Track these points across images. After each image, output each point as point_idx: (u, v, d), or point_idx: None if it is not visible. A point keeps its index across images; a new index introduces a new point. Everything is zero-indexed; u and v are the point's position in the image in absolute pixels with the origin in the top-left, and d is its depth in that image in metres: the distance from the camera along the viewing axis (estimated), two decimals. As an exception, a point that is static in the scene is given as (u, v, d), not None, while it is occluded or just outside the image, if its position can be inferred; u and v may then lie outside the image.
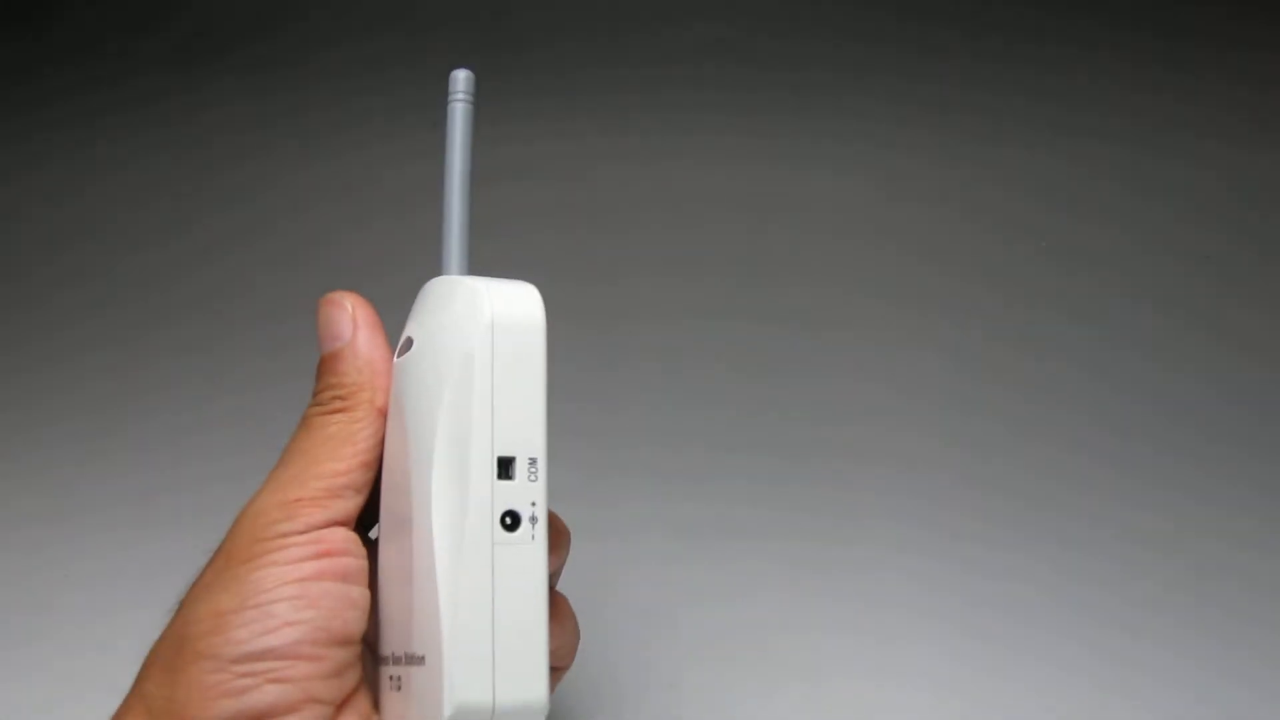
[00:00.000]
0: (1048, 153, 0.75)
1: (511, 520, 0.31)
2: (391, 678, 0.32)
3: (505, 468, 0.31)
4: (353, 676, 0.32)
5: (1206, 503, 0.56)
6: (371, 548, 0.34)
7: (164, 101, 0.83)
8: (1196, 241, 0.71)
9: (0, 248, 0.77)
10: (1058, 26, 0.80)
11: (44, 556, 0.54)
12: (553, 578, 0.37)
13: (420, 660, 0.31)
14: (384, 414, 0.33)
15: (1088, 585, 0.51)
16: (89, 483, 0.58)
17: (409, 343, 0.33)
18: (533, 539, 0.31)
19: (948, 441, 0.59)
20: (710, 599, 0.50)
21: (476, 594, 0.30)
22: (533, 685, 0.31)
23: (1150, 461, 0.58)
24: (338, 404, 0.33)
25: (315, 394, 0.34)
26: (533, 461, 0.32)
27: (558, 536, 0.36)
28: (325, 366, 0.34)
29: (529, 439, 0.32)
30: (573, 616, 0.37)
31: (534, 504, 0.31)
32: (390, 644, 0.33)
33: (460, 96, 0.34)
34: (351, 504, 0.32)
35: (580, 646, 0.37)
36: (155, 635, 0.31)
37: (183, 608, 0.31)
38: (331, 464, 0.32)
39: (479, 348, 0.31)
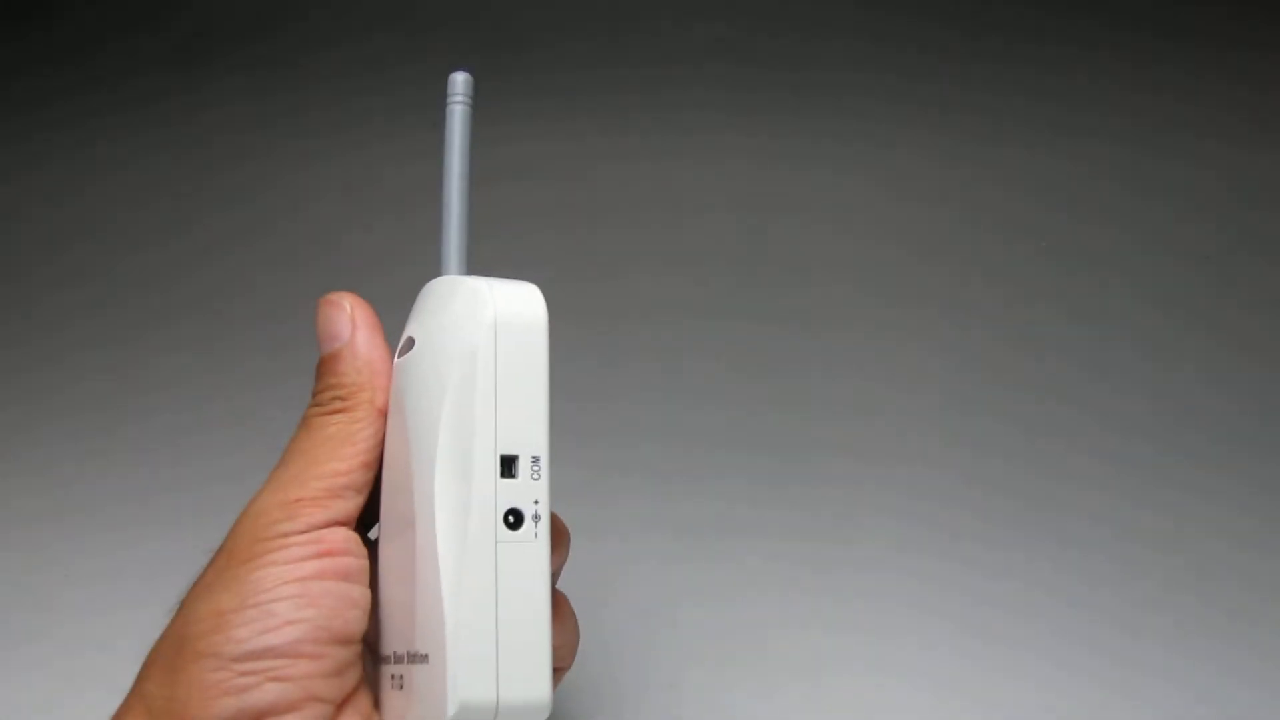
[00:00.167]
0: (1048, 153, 0.75)
1: (515, 519, 0.31)
2: (393, 676, 0.32)
3: (508, 466, 0.31)
4: (353, 675, 0.32)
5: (1207, 502, 0.56)
6: (372, 548, 0.34)
7: (164, 101, 0.83)
8: (1196, 241, 0.71)
9: (0, 248, 0.77)
10: (1058, 26, 0.80)
11: (44, 555, 0.54)
12: (553, 577, 0.37)
13: (424, 659, 0.31)
14: (384, 414, 0.33)
15: (1088, 584, 0.51)
16: (89, 482, 0.58)
17: (410, 343, 0.33)
18: (536, 537, 0.31)
19: (948, 441, 0.59)
20: (710, 598, 0.50)
21: (480, 592, 0.30)
22: (536, 683, 0.31)
23: (1150, 461, 0.58)
24: (337, 404, 0.33)
25: (315, 394, 0.34)
26: (535, 460, 0.32)
27: (558, 536, 0.36)
28: (324, 367, 0.34)
29: (532, 437, 0.32)
30: (573, 616, 0.37)
31: (537, 502, 0.31)
32: (392, 643, 0.33)
33: (459, 99, 0.34)
34: (352, 504, 0.32)
35: (580, 646, 0.37)
36: (155, 634, 0.31)
37: (183, 607, 0.31)
38: (332, 464, 0.32)
39: (482, 347, 0.31)
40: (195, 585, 0.32)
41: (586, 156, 0.77)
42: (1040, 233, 0.71)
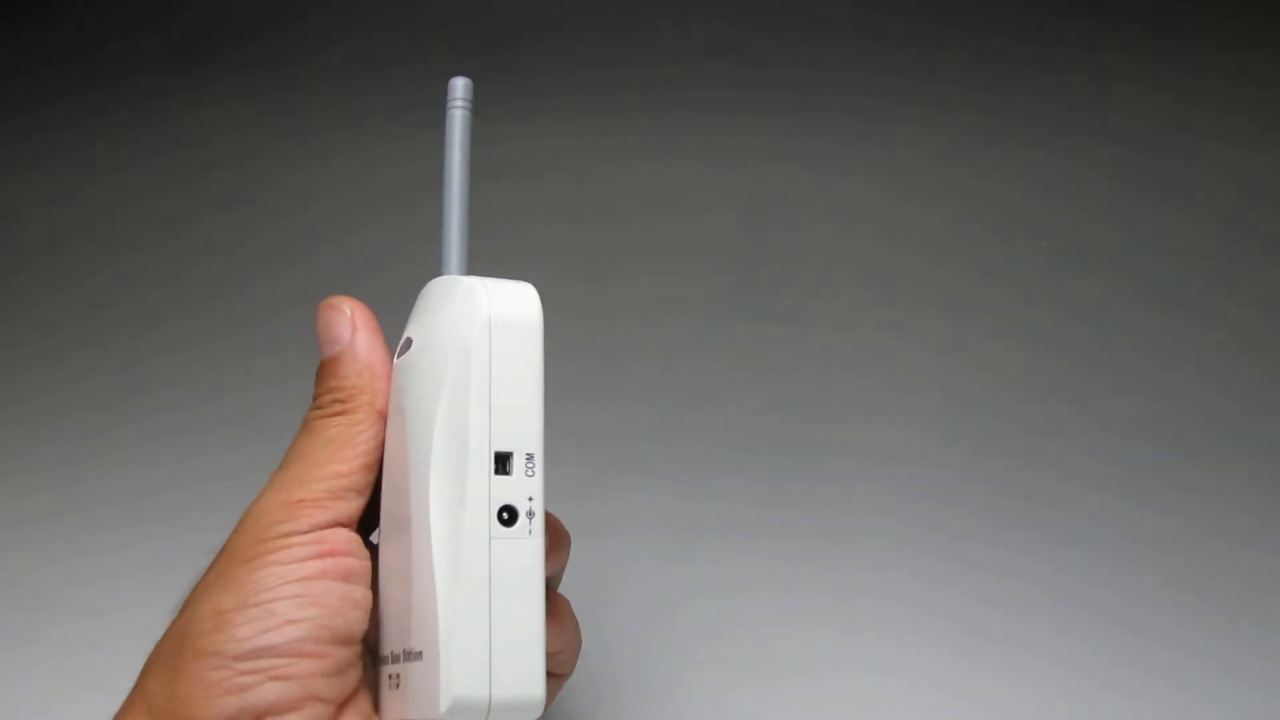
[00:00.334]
0: (1048, 153, 0.75)
1: (509, 515, 0.31)
2: (390, 677, 0.32)
3: (502, 463, 0.31)
4: (354, 676, 0.32)
5: (1207, 502, 0.56)
6: (374, 551, 0.34)
7: (164, 101, 0.83)
8: (1196, 241, 0.71)
9: (0, 248, 0.77)
10: (1058, 26, 0.80)
11: (44, 555, 0.54)
12: (553, 580, 0.37)
13: (418, 655, 0.31)
14: (384, 416, 0.33)
15: (1088, 583, 0.51)
16: (89, 481, 0.58)
17: (408, 343, 0.34)
18: (530, 534, 0.31)
19: (948, 440, 0.59)
20: (710, 598, 0.50)
21: (473, 588, 0.30)
22: (529, 680, 0.31)
23: (1151, 460, 0.58)
24: (338, 407, 0.33)
25: (315, 398, 0.34)
26: (530, 457, 0.32)
27: (558, 540, 0.36)
28: (325, 370, 0.34)
29: (526, 434, 0.32)
30: (574, 621, 0.37)
31: (531, 499, 0.31)
32: (390, 643, 0.33)
33: (459, 103, 0.34)
34: (353, 505, 0.32)
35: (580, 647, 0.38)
36: (155, 634, 0.32)
37: (185, 607, 0.31)
38: (333, 466, 0.32)
39: (476, 344, 0.31)
40: (197, 586, 0.32)
41: (586, 156, 0.77)
42: (1040, 233, 0.71)
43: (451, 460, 0.31)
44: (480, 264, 0.35)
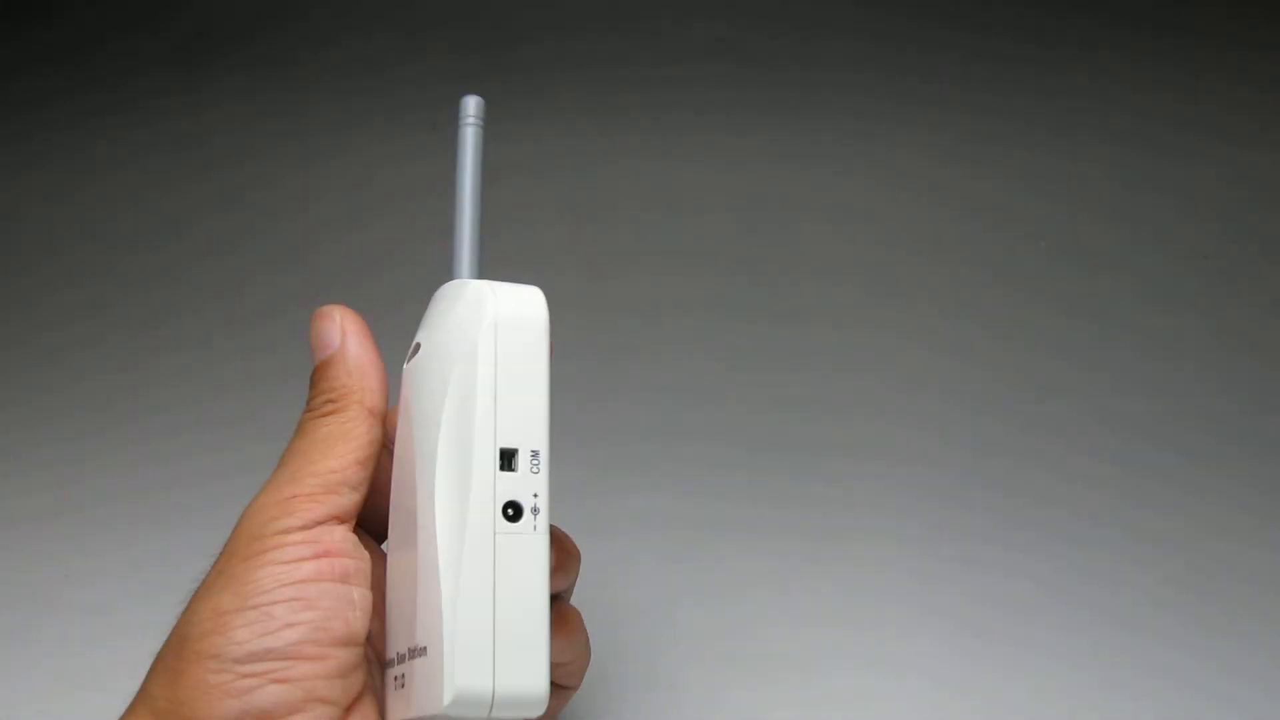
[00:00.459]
0: (1048, 153, 0.75)
1: (514, 511, 0.31)
2: (396, 678, 0.33)
3: (508, 459, 0.32)
4: (358, 679, 0.32)
5: (1207, 501, 0.56)
6: (374, 552, 0.34)
7: (164, 101, 0.83)
8: (1197, 241, 0.71)
9: (0, 248, 0.77)
10: (1058, 26, 0.80)
11: (44, 555, 0.54)
12: (564, 594, 0.37)
13: (423, 651, 0.31)
14: (375, 414, 0.34)
15: (1088, 583, 0.51)
16: (89, 481, 0.59)
17: (417, 348, 0.34)
18: (535, 529, 0.31)
19: (948, 440, 0.59)
20: (710, 598, 0.50)
21: (477, 583, 0.30)
22: (533, 674, 0.31)
23: (1151, 459, 0.58)
24: (329, 407, 0.34)
25: (309, 401, 0.35)
26: (535, 454, 0.32)
27: (568, 557, 0.36)
28: (317, 374, 0.35)
29: (531, 431, 0.32)
30: (584, 633, 0.37)
31: (536, 495, 0.32)
32: (395, 645, 0.33)
33: (471, 120, 0.35)
34: (348, 500, 0.33)
35: (580, 647, 0.38)
36: (155, 633, 0.32)
37: (186, 607, 0.31)
38: (326, 462, 0.33)
39: (483, 344, 0.32)
40: (198, 588, 0.32)
41: (586, 156, 0.77)
42: (1040, 232, 0.71)
43: (457, 456, 0.31)
44: (480, 263, 0.35)
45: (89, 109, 0.84)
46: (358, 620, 0.31)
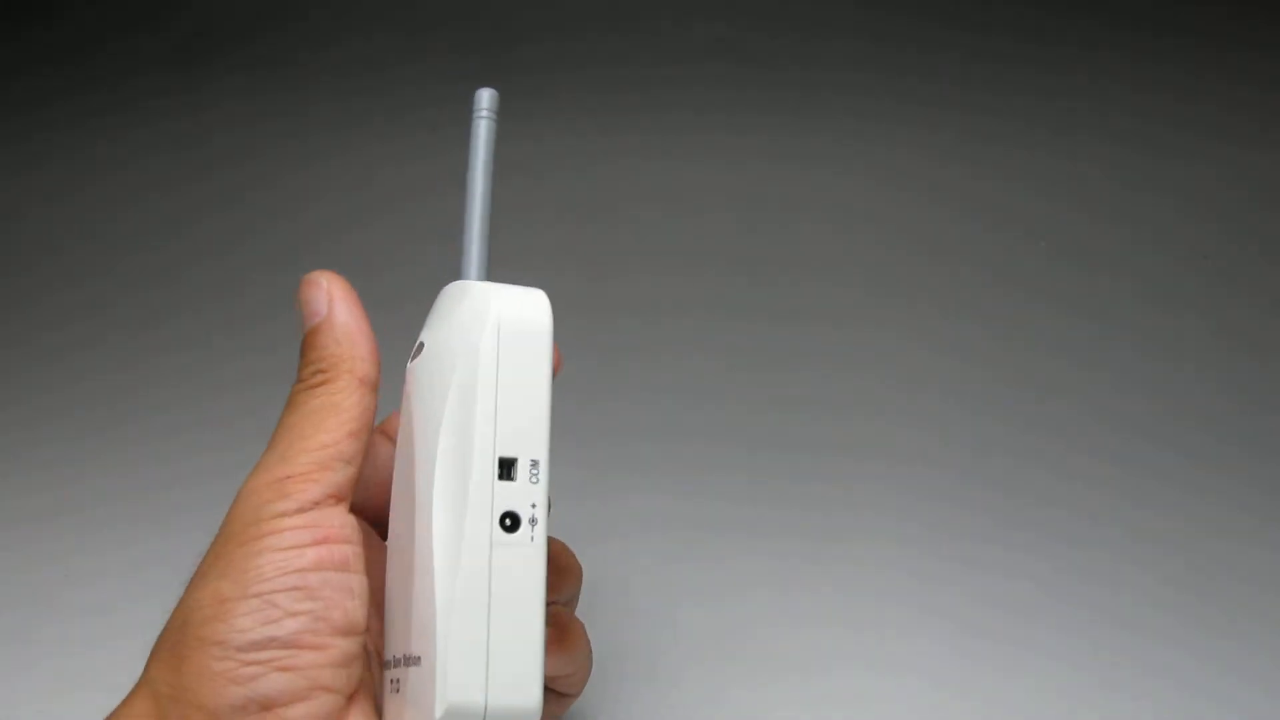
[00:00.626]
0: (1048, 153, 0.75)
1: (511, 521, 0.31)
2: (392, 681, 0.32)
3: (507, 469, 0.31)
4: (358, 668, 0.32)
5: (1207, 501, 0.56)
6: (368, 534, 0.34)
7: (164, 101, 0.83)
8: (1196, 241, 0.71)
9: (0, 248, 0.77)
10: (1058, 26, 0.80)
11: (44, 554, 0.54)
12: (569, 604, 0.37)
13: (416, 661, 0.31)
14: (366, 383, 0.33)
15: (1088, 583, 0.51)
16: (89, 481, 0.58)
17: (420, 347, 0.34)
18: (532, 541, 0.31)
19: (948, 440, 0.59)
20: (710, 598, 0.50)
21: (473, 594, 0.30)
22: (526, 688, 0.30)
23: (1151, 459, 0.58)
24: (319, 378, 0.33)
25: (299, 372, 0.34)
26: (534, 464, 0.31)
27: (569, 572, 0.36)
28: (306, 343, 0.34)
29: (532, 441, 0.31)
30: (587, 645, 0.37)
31: (534, 506, 0.31)
32: (393, 647, 0.33)
33: (484, 113, 0.34)
34: (342, 475, 0.32)
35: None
36: (155, 632, 0.31)
37: (186, 591, 0.31)
38: (318, 437, 0.32)
39: (484, 349, 0.31)
40: (197, 572, 0.32)
41: (586, 156, 0.77)
42: (1040, 232, 0.71)
43: (456, 464, 0.31)
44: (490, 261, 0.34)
45: (89, 109, 0.84)
46: (357, 609, 0.31)
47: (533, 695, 0.30)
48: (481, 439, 0.31)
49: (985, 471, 0.57)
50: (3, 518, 0.56)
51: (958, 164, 0.75)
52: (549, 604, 0.35)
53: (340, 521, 0.32)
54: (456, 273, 0.34)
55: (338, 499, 0.32)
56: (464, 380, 0.31)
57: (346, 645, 0.31)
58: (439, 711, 0.30)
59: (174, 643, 0.30)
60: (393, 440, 0.35)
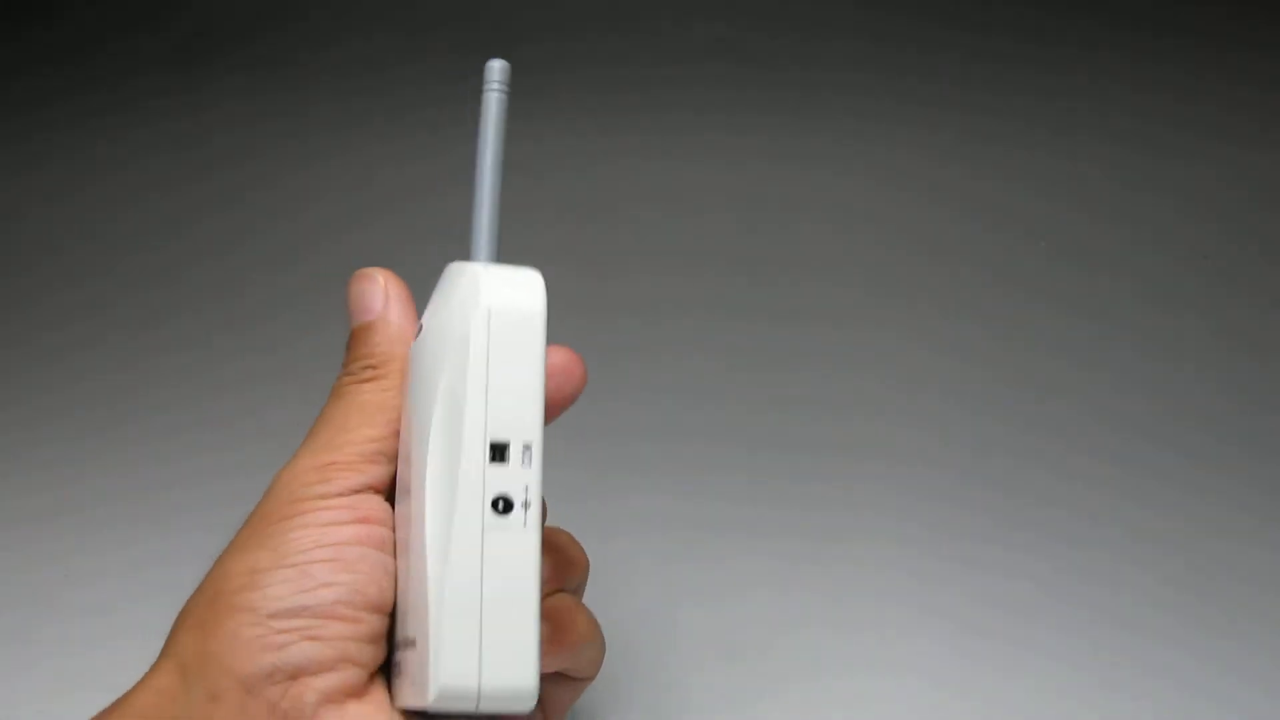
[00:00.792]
0: (1048, 153, 0.75)
1: (504, 505, 0.31)
2: (396, 662, 0.33)
3: (499, 452, 0.31)
4: (383, 647, 0.32)
5: (1207, 501, 0.56)
6: None
7: (164, 101, 0.83)
8: (1196, 241, 0.71)
9: (0, 248, 0.77)
10: (1058, 26, 0.80)
11: (44, 554, 0.54)
12: (575, 592, 0.37)
13: (412, 643, 0.31)
14: None
15: (1088, 583, 0.51)
16: (89, 481, 0.58)
17: (420, 329, 0.34)
18: (525, 524, 0.31)
19: (948, 440, 0.59)
20: (710, 598, 0.50)
21: (465, 577, 0.30)
22: (520, 670, 0.30)
23: (1151, 459, 0.58)
24: (370, 373, 0.33)
25: (346, 364, 0.34)
26: (527, 447, 0.31)
27: (575, 565, 0.36)
28: (357, 338, 0.34)
29: (524, 424, 0.31)
30: (598, 631, 0.37)
31: (527, 489, 0.31)
32: (398, 630, 0.33)
33: (495, 86, 0.33)
34: (384, 471, 0.32)
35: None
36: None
37: (215, 566, 0.31)
38: (365, 430, 0.32)
39: (475, 331, 0.31)
40: (227, 547, 0.32)
41: (586, 156, 0.77)
42: (1040, 232, 0.71)
43: (447, 447, 0.31)
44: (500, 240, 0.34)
45: (89, 109, 0.84)
46: (391, 589, 0.31)
47: (528, 676, 0.30)
48: (472, 423, 0.31)
49: (985, 471, 0.57)
50: (3, 518, 0.56)
51: (958, 164, 0.75)
52: (558, 591, 0.35)
53: (379, 505, 0.32)
54: (470, 252, 0.34)
55: (377, 491, 0.32)
56: (456, 363, 0.31)
57: (376, 621, 0.31)
58: (432, 694, 0.30)
59: (203, 612, 0.30)
60: None
